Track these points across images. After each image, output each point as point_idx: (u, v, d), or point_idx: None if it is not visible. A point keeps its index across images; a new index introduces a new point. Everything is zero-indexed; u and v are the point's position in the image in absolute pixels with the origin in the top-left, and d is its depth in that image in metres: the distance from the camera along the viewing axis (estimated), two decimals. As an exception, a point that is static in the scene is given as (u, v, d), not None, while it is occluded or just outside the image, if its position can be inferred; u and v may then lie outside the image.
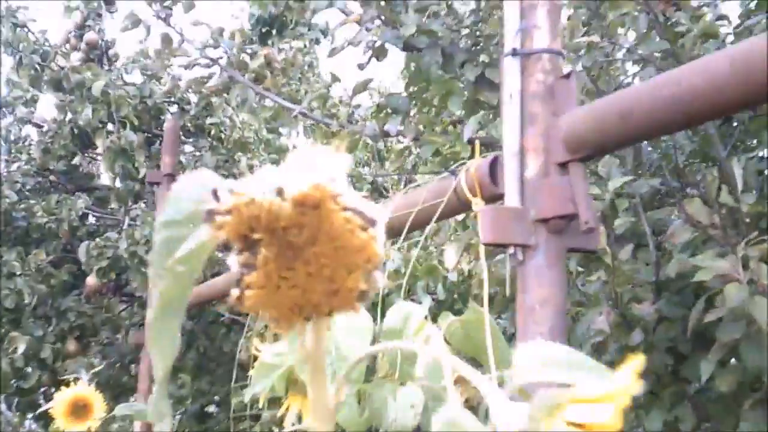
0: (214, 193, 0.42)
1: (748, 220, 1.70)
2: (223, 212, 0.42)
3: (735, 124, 1.99)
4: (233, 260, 0.43)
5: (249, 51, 4.08)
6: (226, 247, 0.43)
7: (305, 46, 4.52)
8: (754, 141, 2.06)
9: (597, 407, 0.41)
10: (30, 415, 4.90)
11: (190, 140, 4.80)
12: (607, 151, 1.15)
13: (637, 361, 0.41)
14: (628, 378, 0.41)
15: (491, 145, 2.04)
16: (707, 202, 1.76)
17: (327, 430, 0.53)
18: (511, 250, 1.22)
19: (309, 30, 5.47)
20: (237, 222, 0.41)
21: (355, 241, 0.42)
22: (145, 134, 4.64)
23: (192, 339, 4.54)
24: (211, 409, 4.79)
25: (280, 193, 0.41)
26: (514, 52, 1.23)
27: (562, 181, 1.19)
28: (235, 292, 0.43)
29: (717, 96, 0.92)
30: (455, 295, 3.05)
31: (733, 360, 1.88)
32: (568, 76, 1.20)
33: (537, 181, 1.22)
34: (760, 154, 1.92)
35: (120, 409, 1.79)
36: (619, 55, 2.23)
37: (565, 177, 1.19)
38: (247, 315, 2.69)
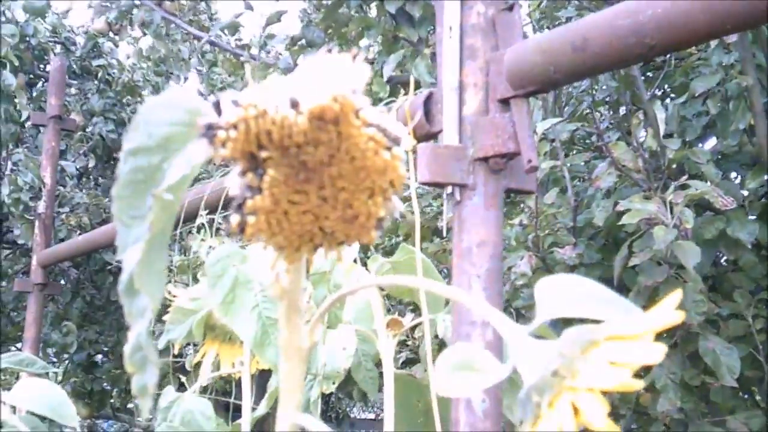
0: (216, 105, 0.37)
1: (674, 165, 1.70)
2: (227, 127, 0.36)
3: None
4: (234, 181, 0.38)
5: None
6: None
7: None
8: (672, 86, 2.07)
9: (636, 344, 0.37)
10: None
11: (76, 82, 4.63)
12: (558, 85, 1.11)
13: (675, 296, 0.37)
14: (668, 313, 0.37)
15: (407, 84, 1.99)
16: (630, 145, 1.76)
17: (299, 370, 0.49)
18: (449, 189, 1.18)
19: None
20: (243, 138, 0.36)
21: (377, 162, 0.37)
22: (28, 75, 4.46)
23: (78, 287, 4.42)
24: (99, 358, 4.70)
25: (295, 105, 0.35)
26: (457, -17, 1.18)
27: (504, 119, 1.14)
28: (235, 219, 0.38)
29: (683, 25, 0.89)
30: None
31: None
32: (511, 8, 1.16)
33: (477, 118, 1.17)
34: (681, 100, 1.93)
35: (2, 361, 1.68)
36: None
37: (506, 114, 1.15)
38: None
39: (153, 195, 0.40)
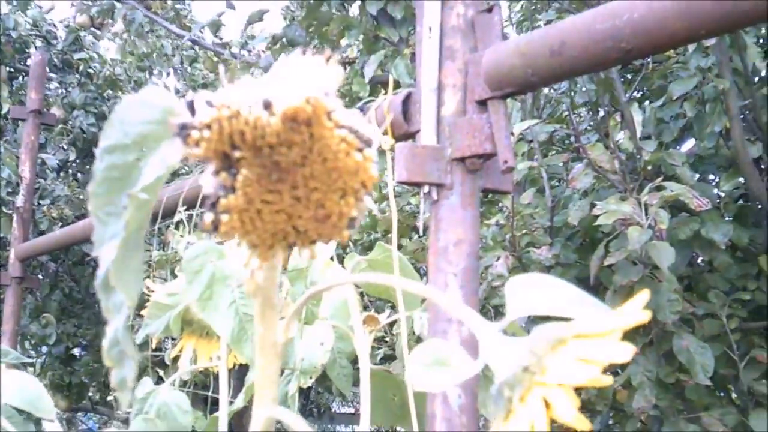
0: (190, 106, 0.37)
1: (650, 167, 1.72)
2: (201, 127, 0.37)
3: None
4: (207, 181, 0.39)
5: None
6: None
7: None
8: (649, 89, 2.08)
9: (604, 342, 0.38)
10: None
11: (57, 75, 4.60)
12: (535, 88, 1.12)
13: (643, 296, 0.38)
14: (635, 313, 0.38)
15: (388, 84, 1.99)
16: (607, 147, 1.77)
17: (274, 365, 0.50)
18: (426, 189, 1.19)
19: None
20: (217, 138, 0.37)
21: (349, 163, 0.38)
22: (8, 69, 4.44)
23: (56, 280, 4.40)
24: (77, 351, 4.69)
25: (268, 106, 0.36)
26: (437, -17, 1.19)
27: (481, 119, 1.15)
28: (209, 217, 0.39)
29: (659, 30, 0.90)
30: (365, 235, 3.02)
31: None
32: (490, 9, 1.17)
33: (454, 118, 1.18)
34: (658, 102, 1.94)
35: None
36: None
37: (484, 115, 1.16)
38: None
39: (129, 195, 0.40)
